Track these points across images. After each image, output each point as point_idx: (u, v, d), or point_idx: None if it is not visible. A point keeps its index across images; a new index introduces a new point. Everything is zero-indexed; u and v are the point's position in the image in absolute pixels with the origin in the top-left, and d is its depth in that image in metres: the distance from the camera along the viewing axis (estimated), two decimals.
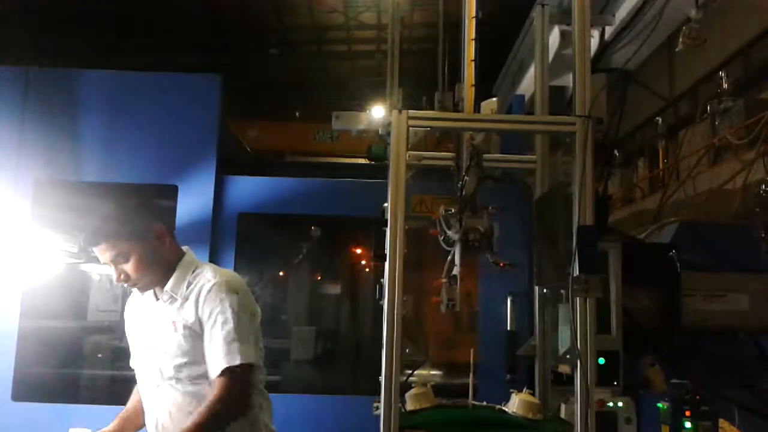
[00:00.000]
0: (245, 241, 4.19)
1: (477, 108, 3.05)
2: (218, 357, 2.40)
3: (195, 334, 2.47)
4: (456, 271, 2.96)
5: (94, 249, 2.45)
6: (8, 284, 4.01)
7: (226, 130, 4.51)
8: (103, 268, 4.47)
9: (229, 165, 4.28)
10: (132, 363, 2.73)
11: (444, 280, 2.97)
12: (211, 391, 2.42)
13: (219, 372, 2.39)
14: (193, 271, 2.55)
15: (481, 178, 3.03)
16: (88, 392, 4.39)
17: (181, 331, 2.47)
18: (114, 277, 2.48)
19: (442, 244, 3.04)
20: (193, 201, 4.08)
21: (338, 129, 3.32)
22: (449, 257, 3.00)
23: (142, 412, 2.64)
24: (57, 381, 4.38)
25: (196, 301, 2.47)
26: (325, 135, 10.93)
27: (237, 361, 2.39)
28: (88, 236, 2.46)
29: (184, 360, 2.47)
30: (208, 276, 2.52)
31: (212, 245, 4.04)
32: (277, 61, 12.26)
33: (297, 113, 12.04)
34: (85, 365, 4.51)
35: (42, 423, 3.84)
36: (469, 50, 3.13)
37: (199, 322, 2.46)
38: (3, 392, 3.89)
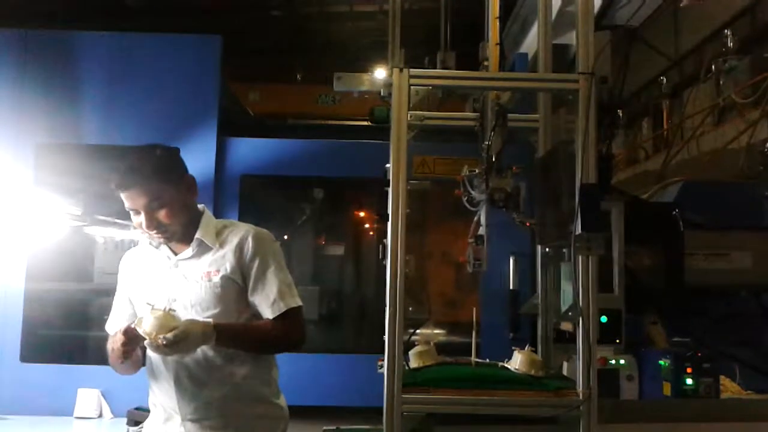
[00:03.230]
0: (248, 202, 4.20)
1: (502, 67, 3.02)
2: (278, 299, 2.44)
3: (233, 283, 2.45)
4: (482, 231, 2.96)
5: (125, 194, 2.38)
6: (14, 248, 4.04)
7: (227, 92, 4.50)
8: (107, 230, 4.50)
9: (231, 127, 4.27)
10: (109, 327, 2.66)
11: (470, 241, 2.97)
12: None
13: (279, 313, 2.44)
14: (217, 225, 2.54)
15: (506, 137, 3.00)
16: (96, 353, 4.43)
17: (217, 281, 2.44)
18: (144, 223, 2.40)
19: (466, 204, 3.03)
20: (196, 163, 4.01)
21: (340, 90, 3.31)
22: (475, 218, 3.00)
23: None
24: (65, 342, 4.43)
25: (239, 249, 2.46)
26: (327, 98, 10.85)
27: (297, 303, 2.47)
28: (122, 178, 2.38)
29: (216, 311, 2.44)
30: (242, 227, 2.54)
31: (215, 207, 4.06)
32: (279, 23, 12.10)
33: (299, 76, 11.91)
34: (93, 327, 4.54)
35: (51, 384, 3.90)
36: (494, 7, 3.09)
37: (240, 271, 2.46)
38: (12, 354, 3.95)
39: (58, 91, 4.16)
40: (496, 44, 3.03)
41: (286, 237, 5.31)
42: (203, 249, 2.50)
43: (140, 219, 2.42)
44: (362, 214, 5.56)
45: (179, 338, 2.22)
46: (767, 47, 6.90)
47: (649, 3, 4.72)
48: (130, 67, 4.25)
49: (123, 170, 2.39)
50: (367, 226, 5.49)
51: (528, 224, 3.01)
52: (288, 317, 2.46)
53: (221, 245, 2.49)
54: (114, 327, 2.65)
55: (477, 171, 2.97)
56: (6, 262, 4.05)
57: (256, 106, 9.45)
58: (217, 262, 2.47)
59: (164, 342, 2.21)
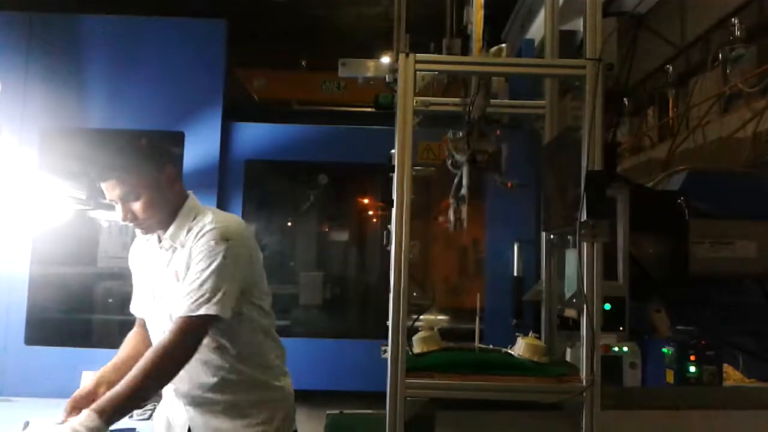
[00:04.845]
0: (253, 187, 4.20)
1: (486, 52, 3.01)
2: (184, 301, 2.31)
3: None
4: (464, 191, 2.95)
5: (103, 185, 2.38)
6: (19, 231, 4.05)
7: (232, 76, 4.48)
8: (111, 214, 4.50)
9: (236, 113, 4.27)
10: (132, 308, 2.72)
11: (451, 200, 2.97)
12: (220, 336, 2.44)
13: (179, 316, 2.30)
14: (194, 218, 2.47)
15: (489, 100, 3.00)
16: (100, 336, 4.46)
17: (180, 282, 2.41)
18: (120, 215, 2.41)
19: (450, 167, 3.02)
20: (200, 147, 4.08)
21: (345, 76, 3.29)
22: (456, 179, 2.99)
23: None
24: (69, 325, 4.45)
25: (190, 247, 2.41)
26: (331, 84, 10.82)
27: (199, 312, 2.28)
28: (98, 171, 2.39)
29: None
30: (205, 221, 2.43)
31: (220, 192, 4.06)
32: (283, 9, 12.06)
33: (303, 62, 11.88)
34: (97, 310, 4.57)
35: (55, 366, 3.91)
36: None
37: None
38: (16, 336, 3.96)
39: (63, 75, 4.15)
40: (481, 29, 3.04)
41: (290, 222, 5.31)
42: (173, 247, 2.47)
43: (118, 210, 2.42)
44: (366, 200, 5.55)
45: None
46: None
47: None
48: (135, 51, 4.23)
49: (99, 161, 2.39)
50: (371, 212, 5.49)
51: (509, 185, 2.97)
52: (183, 323, 2.28)
53: (185, 242, 2.44)
54: (135, 309, 2.72)
55: (460, 134, 2.96)
56: (11, 246, 4.06)
57: (261, 92, 9.43)
58: (181, 262, 2.42)
59: None
